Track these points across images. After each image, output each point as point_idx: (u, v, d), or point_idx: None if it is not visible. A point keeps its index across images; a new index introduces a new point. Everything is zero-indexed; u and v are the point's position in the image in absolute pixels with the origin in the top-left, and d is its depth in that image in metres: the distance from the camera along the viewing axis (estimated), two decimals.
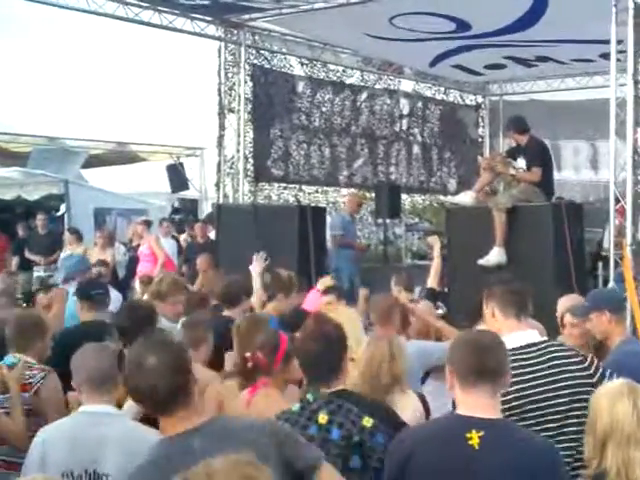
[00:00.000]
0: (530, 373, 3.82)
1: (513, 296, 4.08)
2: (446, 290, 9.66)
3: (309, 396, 3.62)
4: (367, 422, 3.51)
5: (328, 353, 3.73)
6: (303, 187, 16.52)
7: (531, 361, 3.87)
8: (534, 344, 3.97)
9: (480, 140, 19.89)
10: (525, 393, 3.75)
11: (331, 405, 3.56)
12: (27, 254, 13.81)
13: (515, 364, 3.58)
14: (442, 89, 19.07)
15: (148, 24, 14.17)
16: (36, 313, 5.56)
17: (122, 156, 23.77)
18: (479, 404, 3.12)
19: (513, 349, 3.71)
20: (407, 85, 18.57)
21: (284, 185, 16.20)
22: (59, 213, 15.62)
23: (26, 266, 13.78)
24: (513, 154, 9.91)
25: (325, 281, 7.63)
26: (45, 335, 5.02)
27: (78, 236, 13.05)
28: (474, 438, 3.03)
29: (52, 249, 13.28)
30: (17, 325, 5.00)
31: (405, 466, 3.12)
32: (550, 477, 3.10)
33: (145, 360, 2.88)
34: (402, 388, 4.61)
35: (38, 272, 12.33)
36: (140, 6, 13.66)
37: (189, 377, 2.95)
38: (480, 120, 19.92)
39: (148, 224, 13.26)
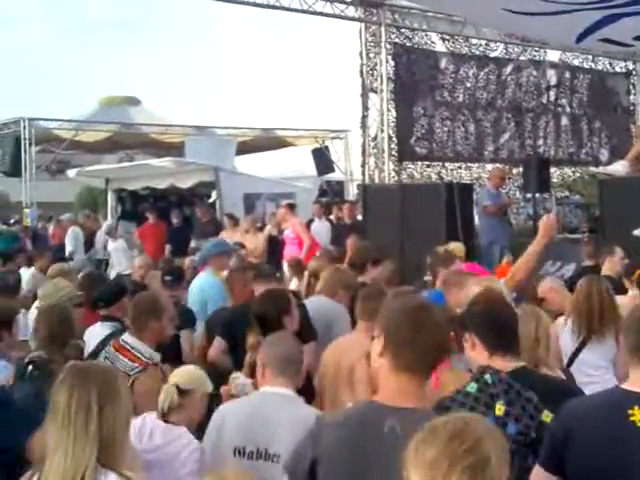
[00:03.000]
0: None
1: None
2: (601, 264, 9.35)
3: (488, 377, 3.37)
4: (547, 418, 3.25)
5: (515, 321, 3.60)
6: (446, 164, 16.38)
7: None
8: None
9: (632, 108, 19.14)
10: None
11: (510, 393, 3.31)
12: (193, 242, 14.24)
13: None
14: (590, 57, 18.43)
15: (288, 9, 14.38)
16: (152, 294, 5.57)
17: (269, 142, 24.25)
18: None
19: None
20: (553, 55, 18.07)
21: (427, 163, 16.11)
22: (210, 200, 16.06)
23: (180, 252, 14.19)
24: None
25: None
26: (160, 316, 4.93)
27: (235, 221, 13.39)
28: (636, 415, 2.90)
29: (215, 235, 13.53)
30: (133, 307, 5.05)
31: (565, 442, 3.02)
32: None
33: (427, 318, 2.84)
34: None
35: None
36: None
37: None
38: (632, 87, 19.15)
39: (291, 207, 13.44)
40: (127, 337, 4.86)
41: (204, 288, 7.32)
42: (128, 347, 4.79)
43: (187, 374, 4.10)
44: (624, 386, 3.06)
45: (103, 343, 5.37)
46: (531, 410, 3.29)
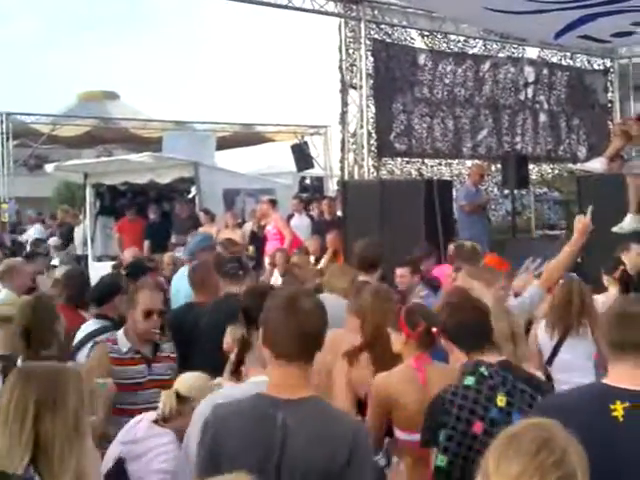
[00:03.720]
0: None
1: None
2: (579, 260, 9.43)
3: (482, 370, 3.48)
4: None
5: (485, 320, 3.71)
6: (426, 160, 16.42)
7: None
8: None
9: (610, 105, 19.25)
10: None
11: (507, 384, 3.43)
12: (173, 238, 14.20)
13: None
14: (568, 54, 18.51)
15: (268, 4, 14.37)
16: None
17: (248, 137, 24.23)
18: (625, 375, 2.99)
19: None
20: (532, 52, 18.13)
21: (407, 159, 16.14)
22: (190, 195, 16.00)
23: (160, 248, 14.10)
24: None
25: None
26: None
27: (210, 216, 13.39)
28: (618, 409, 2.90)
29: (194, 231, 13.42)
30: None
31: None
32: None
33: (300, 303, 2.93)
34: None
35: (179, 253, 12.63)
36: None
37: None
38: (609, 84, 19.26)
39: (273, 203, 13.45)
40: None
41: None
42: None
43: (188, 382, 4.09)
44: (605, 381, 3.06)
45: (85, 339, 5.36)
46: (528, 399, 3.41)
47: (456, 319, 3.72)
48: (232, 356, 4.73)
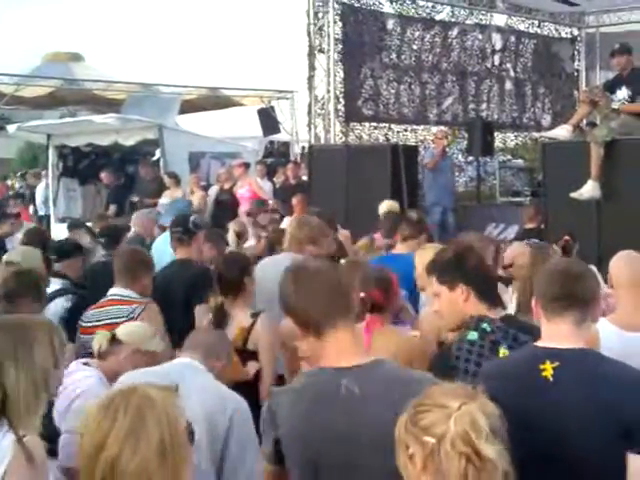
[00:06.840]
0: None
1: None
2: (542, 227, 9.54)
3: (485, 325, 3.52)
4: None
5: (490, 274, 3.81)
6: (393, 126, 16.40)
7: None
8: None
9: (576, 74, 19.31)
10: None
11: (508, 339, 3.46)
12: (135, 200, 14.02)
13: None
14: (536, 22, 18.51)
15: None
16: (143, 250, 5.70)
17: (214, 101, 23.97)
18: (560, 334, 2.97)
19: None
20: (499, 19, 18.09)
21: (374, 125, 16.11)
22: (154, 158, 15.86)
23: (124, 212, 13.99)
24: (611, 87, 9.59)
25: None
26: (150, 271, 5.21)
27: (176, 180, 13.26)
28: (548, 369, 2.89)
29: (159, 194, 13.23)
30: (125, 260, 5.18)
31: None
32: None
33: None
34: None
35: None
36: None
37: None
38: (576, 53, 19.31)
39: (246, 166, 13.40)
40: (118, 291, 5.06)
41: None
42: (118, 297, 4.99)
43: (129, 327, 4.23)
44: (536, 343, 3.06)
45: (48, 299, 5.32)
46: None
47: (480, 268, 3.70)
48: (205, 322, 4.79)
